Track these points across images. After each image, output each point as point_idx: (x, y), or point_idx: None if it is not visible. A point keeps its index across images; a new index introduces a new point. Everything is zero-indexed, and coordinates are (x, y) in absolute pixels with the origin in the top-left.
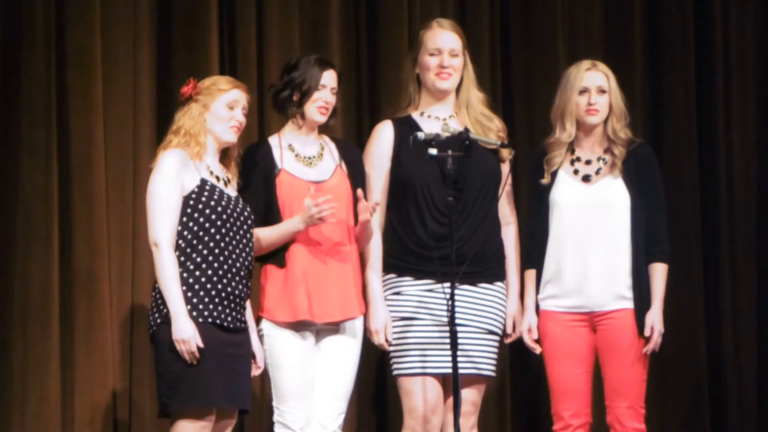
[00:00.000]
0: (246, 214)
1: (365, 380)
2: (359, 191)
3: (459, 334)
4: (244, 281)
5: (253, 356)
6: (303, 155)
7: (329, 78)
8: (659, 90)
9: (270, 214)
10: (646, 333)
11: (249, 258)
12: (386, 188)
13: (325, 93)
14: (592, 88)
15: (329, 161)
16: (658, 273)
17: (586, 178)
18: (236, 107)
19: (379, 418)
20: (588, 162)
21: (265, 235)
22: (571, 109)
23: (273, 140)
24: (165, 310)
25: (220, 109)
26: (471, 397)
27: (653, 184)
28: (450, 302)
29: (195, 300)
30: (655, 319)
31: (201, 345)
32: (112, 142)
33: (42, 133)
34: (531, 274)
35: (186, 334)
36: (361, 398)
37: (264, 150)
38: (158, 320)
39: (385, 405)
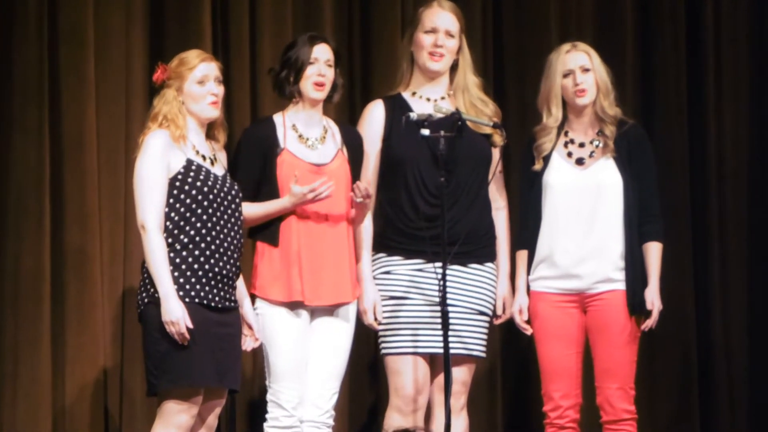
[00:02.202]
0: (234, 192)
1: (358, 360)
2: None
3: (449, 314)
4: (233, 260)
5: (250, 328)
6: (306, 137)
7: (320, 51)
8: (649, 69)
9: (262, 192)
10: (648, 307)
11: (238, 236)
12: (377, 168)
13: (318, 67)
14: (576, 69)
15: (331, 145)
16: (653, 252)
17: (580, 162)
18: (207, 81)
19: (371, 398)
20: (581, 145)
21: (251, 211)
22: (556, 93)
23: (277, 118)
24: (153, 290)
25: (192, 88)
26: (461, 377)
27: (645, 164)
28: (441, 282)
29: (182, 280)
30: (654, 296)
31: (190, 326)
32: (105, 121)
33: (34, 111)
34: (522, 255)
35: (175, 315)
36: (353, 378)
37: (268, 127)
38: (146, 300)
39: (377, 385)
